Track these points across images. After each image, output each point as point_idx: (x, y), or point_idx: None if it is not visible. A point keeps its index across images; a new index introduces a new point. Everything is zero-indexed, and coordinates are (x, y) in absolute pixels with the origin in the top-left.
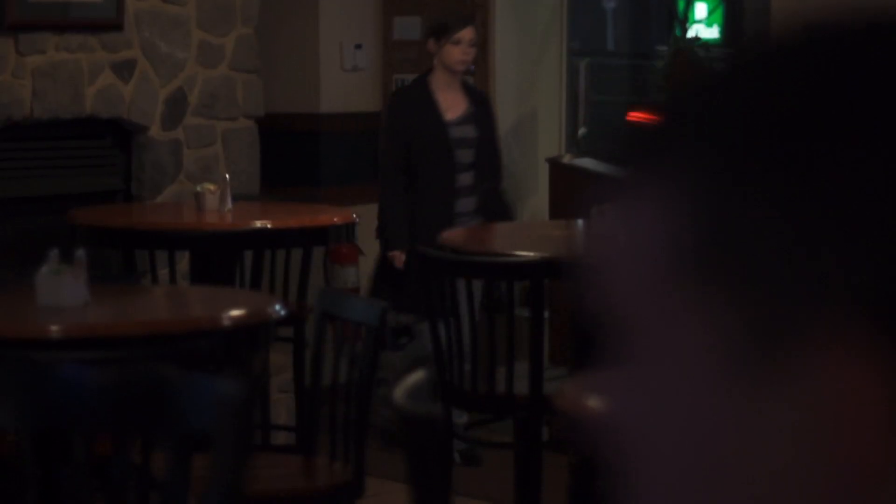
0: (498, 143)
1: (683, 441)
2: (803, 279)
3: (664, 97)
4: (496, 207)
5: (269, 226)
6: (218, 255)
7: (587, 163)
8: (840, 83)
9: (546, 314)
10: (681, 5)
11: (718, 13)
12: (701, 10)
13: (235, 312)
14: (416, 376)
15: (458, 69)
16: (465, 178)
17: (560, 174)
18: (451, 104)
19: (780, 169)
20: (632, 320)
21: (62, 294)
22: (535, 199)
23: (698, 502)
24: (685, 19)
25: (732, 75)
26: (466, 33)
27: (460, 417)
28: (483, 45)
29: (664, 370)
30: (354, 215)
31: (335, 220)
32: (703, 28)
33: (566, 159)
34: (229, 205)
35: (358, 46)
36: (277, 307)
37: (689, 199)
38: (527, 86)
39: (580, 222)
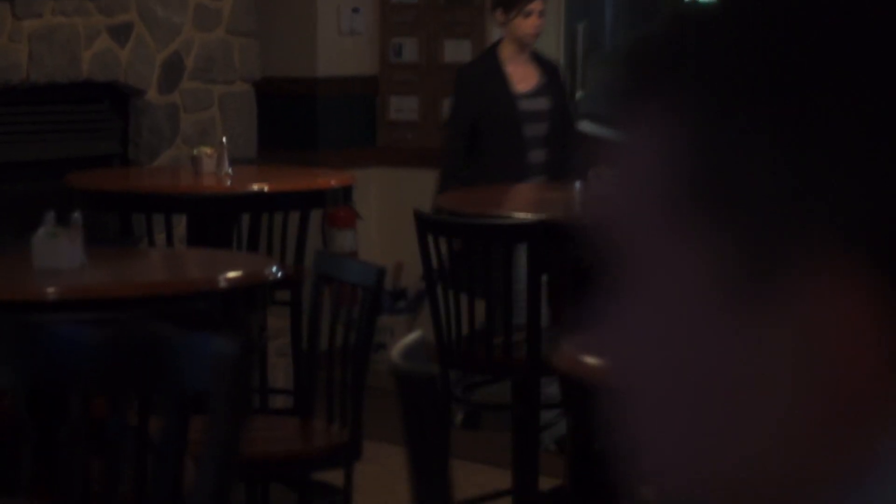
0: (570, 116)
1: (680, 368)
2: (797, 210)
3: (664, 31)
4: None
5: (266, 189)
6: (215, 219)
7: (585, 126)
8: (834, 16)
9: (545, 277)
10: None
11: None
12: None
13: (232, 274)
14: (413, 336)
15: (529, 42)
16: (537, 155)
17: None
18: (522, 76)
19: (776, 101)
20: (633, 254)
21: (58, 256)
22: None
23: (695, 427)
24: None
25: (730, 9)
26: (537, 5)
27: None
28: (479, 9)
29: (663, 300)
30: (352, 178)
31: (332, 183)
32: None
33: None
34: (227, 168)
35: (355, 10)
36: (274, 269)
37: (687, 130)
38: None
39: (578, 185)
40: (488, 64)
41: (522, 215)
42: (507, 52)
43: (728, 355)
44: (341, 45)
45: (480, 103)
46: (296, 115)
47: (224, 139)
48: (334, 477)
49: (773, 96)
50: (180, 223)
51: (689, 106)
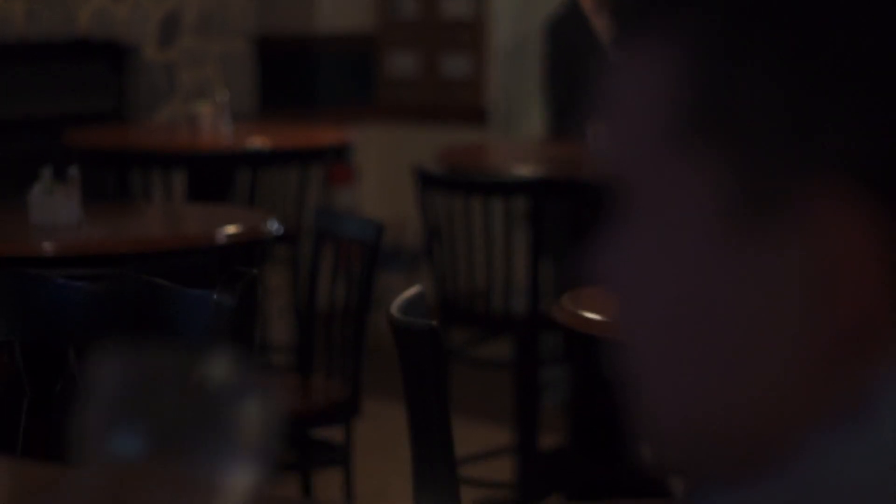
0: None
1: (685, 299)
2: (797, 140)
3: None
4: None
5: (265, 145)
6: (214, 175)
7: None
8: None
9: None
10: None
11: None
12: None
13: (231, 229)
14: (413, 291)
15: None
16: None
17: None
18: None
19: (778, 33)
20: (636, 183)
21: (55, 212)
22: (529, 119)
23: (700, 359)
24: None
25: None
26: None
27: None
28: None
29: (666, 232)
30: (350, 135)
31: (331, 139)
32: None
33: None
34: (226, 125)
35: None
36: (273, 224)
37: (689, 61)
38: (524, 4)
39: (577, 141)
40: (579, 14)
41: (523, 171)
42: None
43: (732, 285)
44: (339, 1)
45: (576, 56)
46: (294, 72)
47: (222, 96)
48: (334, 434)
49: (774, 29)
50: (179, 180)
51: (691, 36)
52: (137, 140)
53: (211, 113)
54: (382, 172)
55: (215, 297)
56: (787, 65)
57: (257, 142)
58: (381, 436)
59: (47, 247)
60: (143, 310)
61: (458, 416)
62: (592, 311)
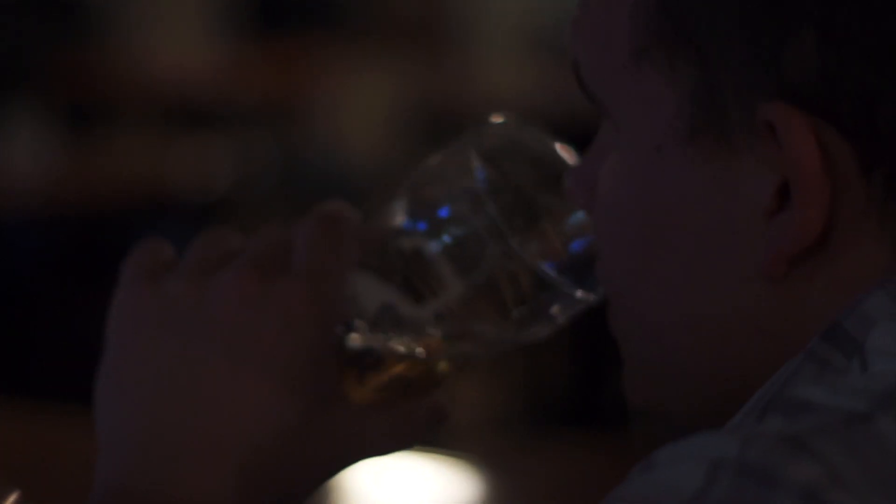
0: None
1: (641, 201)
2: (748, 52)
3: None
4: None
5: None
6: None
7: None
8: None
9: None
10: None
11: None
12: None
13: None
14: None
15: None
16: None
17: None
18: None
19: None
20: (602, 95)
21: None
22: None
23: (655, 272)
24: None
25: None
26: None
27: None
28: None
29: (629, 137)
30: None
31: None
32: None
33: None
34: None
35: None
36: None
37: None
38: None
39: None
40: None
41: None
42: None
43: (692, 203)
44: None
45: None
46: None
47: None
48: None
49: None
50: None
51: None
52: None
53: None
54: None
55: None
56: None
57: None
58: None
59: None
60: None
61: None
62: None
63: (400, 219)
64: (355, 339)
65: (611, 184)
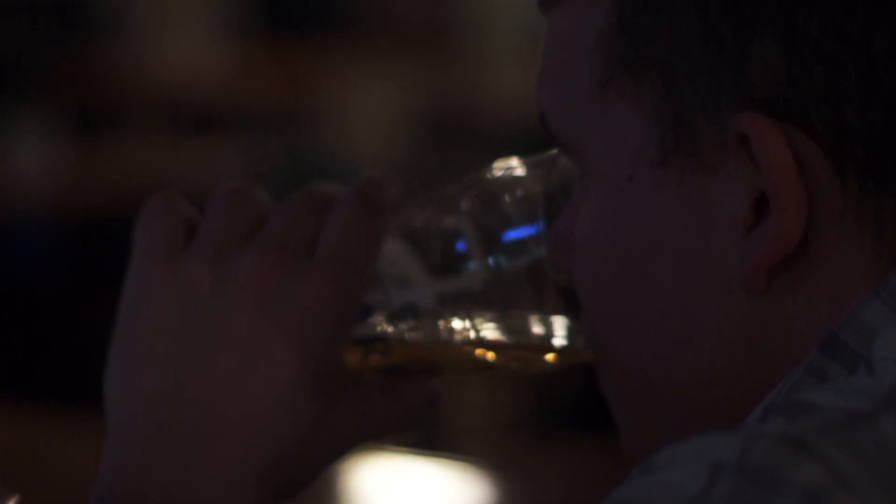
0: None
1: (616, 235)
2: (712, 64)
3: None
4: None
5: None
6: None
7: None
8: None
9: None
10: None
11: None
12: None
13: None
14: None
15: None
16: None
17: None
18: None
19: None
20: (571, 136)
21: None
22: None
23: (628, 291)
24: None
25: None
26: None
27: None
28: None
29: (600, 173)
30: None
31: None
32: None
33: None
34: None
35: None
36: None
37: (612, 6)
38: None
39: None
40: None
41: None
42: None
43: (666, 222)
44: None
45: None
46: None
47: None
48: None
49: None
50: None
51: None
52: None
53: None
54: None
55: None
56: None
57: None
58: None
59: None
60: None
61: None
62: None
63: (438, 209)
64: (370, 325)
65: (584, 228)
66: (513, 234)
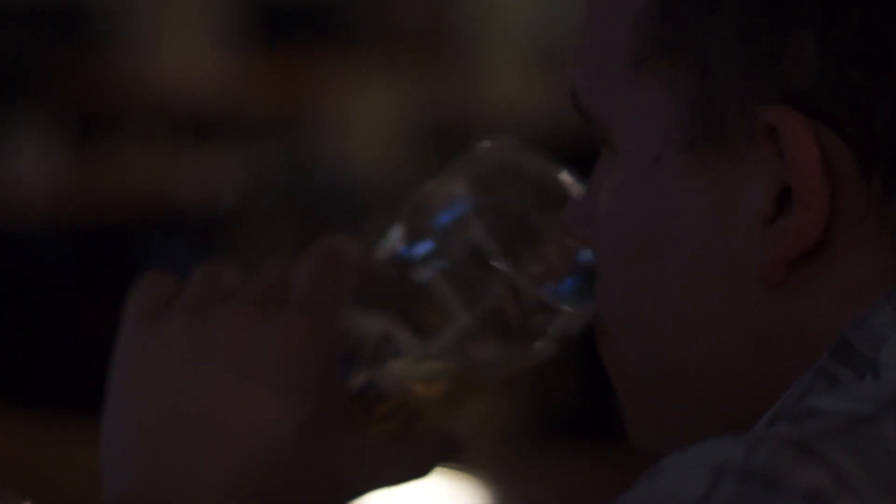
0: None
1: (637, 213)
2: (748, 56)
3: None
4: None
5: None
6: None
7: None
8: None
9: None
10: None
11: None
12: None
13: None
14: None
15: None
16: None
17: None
18: None
19: None
20: (600, 112)
21: None
22: None
23: (644, 270)
24: None
25: None
26: None
27: None
28: None
29: (627, 152)
30: None
31: None
32: None
33: None
34: None
35: None
36: None
37: None
38: None
39: None
40: None
41: None
42: None
43: (690, 211)
44: None
45: None
46: None
47: None
48: None
49: None
50: None
51: None
52: None
53: None
54: None
55: None
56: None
57: None
58: None
59: None
60: None
61: None
62: None
63: (396, 247)
64: (357, 375)
65: (607, 204)
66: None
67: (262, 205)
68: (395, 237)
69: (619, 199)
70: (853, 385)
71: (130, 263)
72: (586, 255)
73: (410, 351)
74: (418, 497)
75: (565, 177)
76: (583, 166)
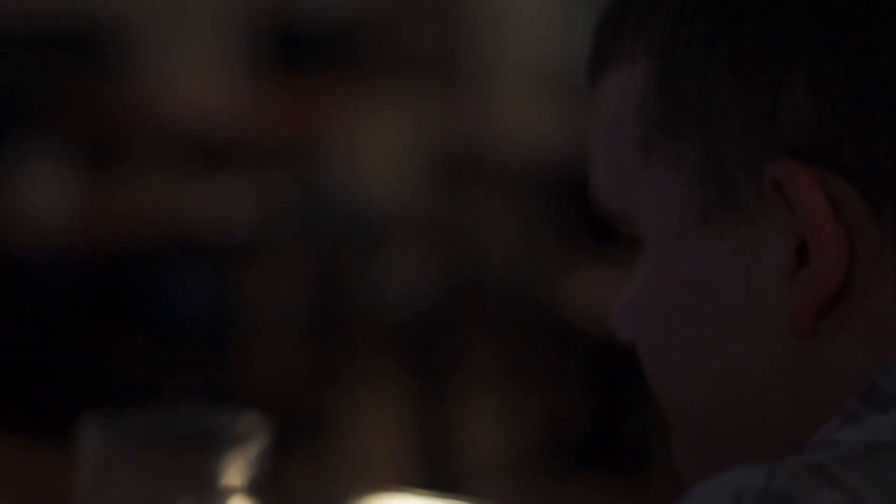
0: None
1: (668, 289)
2: (745, 115)
3: None
4: None
5: None
6: None
7: None
8: None
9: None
10: None
11: None
12: None
13: None
14: None
15: None
16: None
17: None
18: None
19: (720, 30)
20: (621, 203)
21: None
22: None
23: (681, 339)
24: None
25: None
26: None
27: None
28: None
29: (651, 237)
30: None
31: None
32: None
33: None
34: None
35: None
36: None
37: (651, 68)
38: None
39: None
40: None
41: None
42: None
43: (712, 275)
44: None
45: None
46: None
47: None
48: None
49: (716, 26)
50: None
51: (650, 47)
52: None
53: None
54: None
55: None
56: (733, 53)
57: None
58: None
59: None
60: None
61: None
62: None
63: None
64: None
65: (641, 290)
66: None
67: (275, 233)
68: None
69: (650, 281)
70: (875, 418)
71: (143, 292)
72: None
73: None
74: None
75: None
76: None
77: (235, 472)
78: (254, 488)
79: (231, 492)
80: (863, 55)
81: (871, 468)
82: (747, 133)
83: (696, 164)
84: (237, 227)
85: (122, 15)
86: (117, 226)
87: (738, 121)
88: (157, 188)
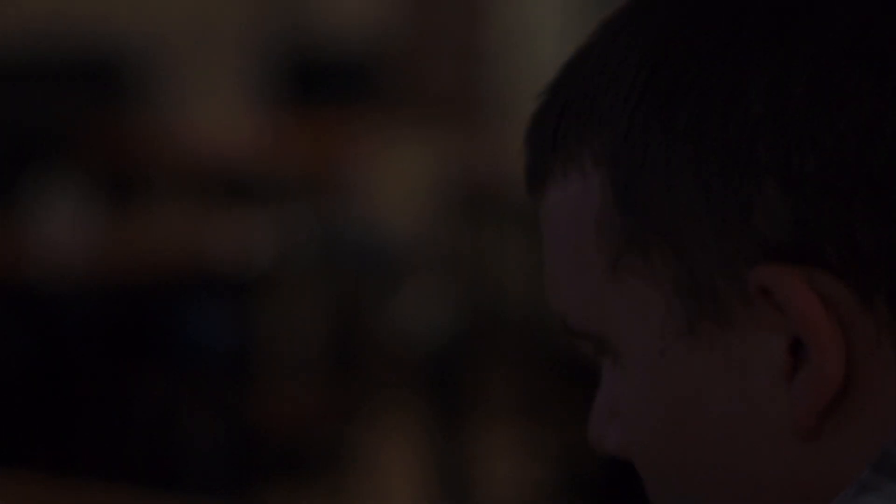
0: None
1: (659, 408)
2: (718, 224)
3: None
4: None
5: None
6: None
7: None
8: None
9: None
10: None
11: None
12: None
13: None
14: None
15: None
16: None
17: None
18: None
19: (678, 134)
20: (594, 327)
21: None
22: None
23: (680, 454)
24: None
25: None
26: None
27: None
28: None
29: (630, 355)
30: None
31: None
32: None
33: None
34: None
35: None
36: None
37: (606, 182)
38: None
39: None
40: None
41: None
42: None
43: (703, 386)
44: None
45: None
46: None
47: None
48: None
49: (671, 130)
50: None
51: (602, 154)
52: None
53: None
54: None
55: None
56: (691, 153)
57: None
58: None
59: None
60: None
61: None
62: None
63: None
64: None
65: (628, 409)
66: None
67: (294, 266)
68: None
69: (638, 400)
70: (890, 486)
71: (162, 325)
72: None
73: None
74: None
75: None
76: None
77: None
78: None
79: None
80: (831, 144)
81: None
82: (722, 240)
83: (672, 278)
84: (256, 260)
85: (141, 49)
86: (137, 259)
87: (709, 229)
88: (176, 221)
